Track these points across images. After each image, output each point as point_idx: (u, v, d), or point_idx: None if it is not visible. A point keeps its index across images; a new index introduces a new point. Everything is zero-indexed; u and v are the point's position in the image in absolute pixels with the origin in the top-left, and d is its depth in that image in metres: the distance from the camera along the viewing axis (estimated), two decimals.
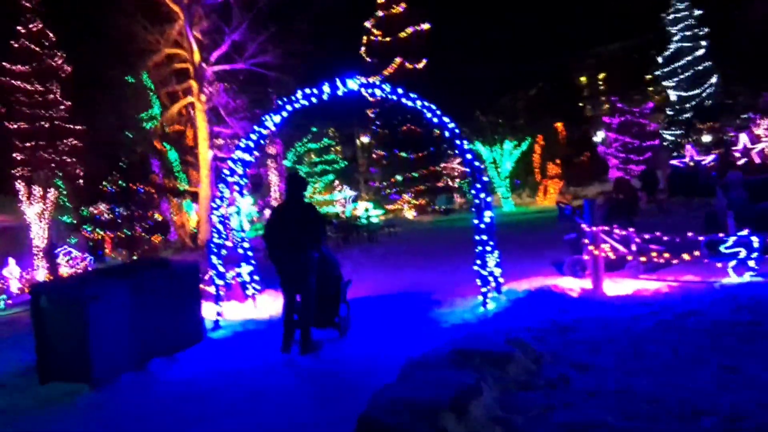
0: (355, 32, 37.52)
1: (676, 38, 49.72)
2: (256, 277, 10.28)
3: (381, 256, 15.57)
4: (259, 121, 9.27)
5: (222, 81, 24.58)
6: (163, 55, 23.26)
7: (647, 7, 49.52)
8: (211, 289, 9.36)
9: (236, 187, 9.85)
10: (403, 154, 36.78)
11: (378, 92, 8.78)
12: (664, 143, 45.18)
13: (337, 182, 39.34)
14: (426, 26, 37.26)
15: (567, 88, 39.48)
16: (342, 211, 35.09)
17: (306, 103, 9.00)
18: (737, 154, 45.98)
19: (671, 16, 50.15)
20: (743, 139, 49.39)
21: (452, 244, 16.91)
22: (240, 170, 9.42)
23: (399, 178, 37.53)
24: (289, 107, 9.02)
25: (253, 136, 9.26)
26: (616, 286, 8.38)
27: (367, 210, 34.65)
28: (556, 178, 35.76)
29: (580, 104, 41.99)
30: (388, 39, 36.97)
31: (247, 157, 9.42)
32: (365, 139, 43.70)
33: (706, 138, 47.81)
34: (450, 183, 39.72)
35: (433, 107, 8.55)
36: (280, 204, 7.27)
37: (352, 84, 8.81)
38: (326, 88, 8.87)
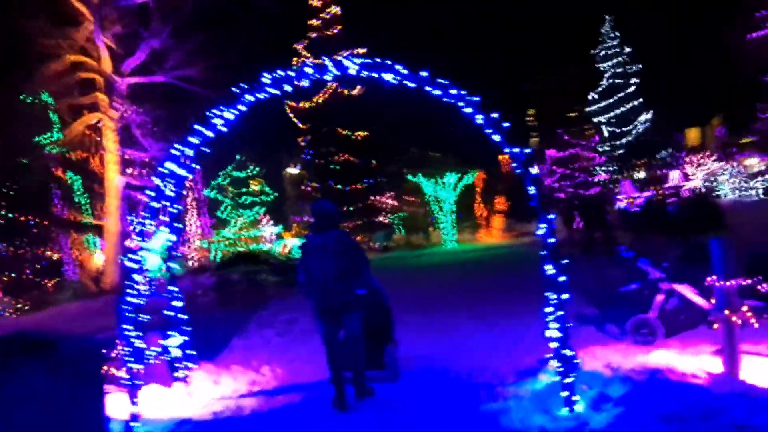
0: (288, 52, 34.63)
1: (607, 75, 49.74)
2: (190, 353, 7.03)
3: None
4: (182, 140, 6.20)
5: (138, 96, 21.02)
6: (66, 62, 19.53)
7: (580, 44, 49.41)
8: (123, 373, 6.08)
9: (164, 217, 6.61)
10: (339, 186, 33.85)
11: (389, 77, 5.85)
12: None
13: (262, 216, 35.84)
14: (362, 50, 34.80)
15: (513, 118, 38.00)
16: (269, 248, 31.70)
17: (276, 92, 6.03)
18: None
19: (602, 53, 50.29)
20: (674, 176, 49.68)
21: (423, 288, 14.18)
22: (171, 190, 6.24)
23: None
24: (250, 97, 6.00)
25: (194, 140, 6.13)
26: (749, 367, 5.70)
27: (295, 246, 31.45)
28: (500, 214, 33.72)
29: (531, 134, 40.50)
30: (320, 62, 34.23)
31: (181, 172, 6.27)
32: (294, 170, 40.50)
33: (641, 174, 47.61)
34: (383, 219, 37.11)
35: (473, 99, 5.74)
36: (310, 237, 6.31)
37: (350, 65, 5.89)
38: (309, 70, 5.94)
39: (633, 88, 49.21)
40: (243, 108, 6.06)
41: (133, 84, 20.57)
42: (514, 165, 5.72)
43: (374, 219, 35.10)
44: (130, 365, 5.93)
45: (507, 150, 5.73)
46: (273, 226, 35.62)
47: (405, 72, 5.70)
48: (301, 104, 34.60)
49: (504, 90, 39.74)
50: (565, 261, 5.45)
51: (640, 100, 48.83)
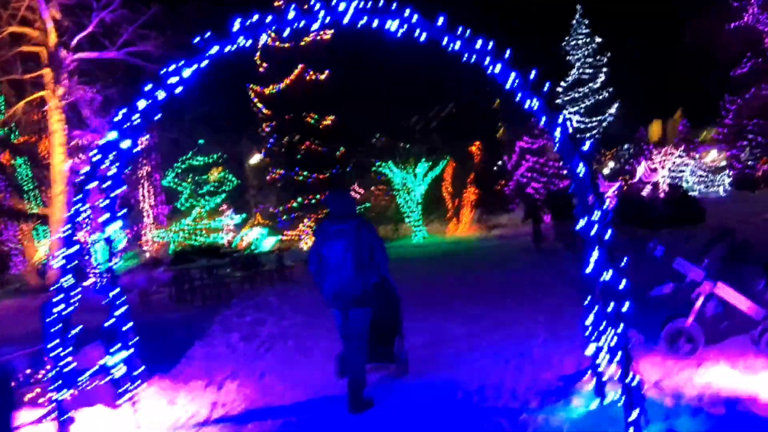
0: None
1: (577, 65, 49.26)
2: (138, 370, 5.70)
3: (314, 305, 11.19)
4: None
5: (88, 74, 19.31)
6: (6, 33, 17.71)
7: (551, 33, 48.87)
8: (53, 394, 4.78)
9: (104, 201, 5.24)
10: (303, 175, 32.40)
11: (394, 25, 4.60)
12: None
13: (224, 206, 34.20)
14: (329, 34, 33.36)
15: (482, 109, 36.97)
16: (230, 239, 30.18)
17: (248, 42, 4.76)
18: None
19: (572, 43, 49.78)
20: (641, 169, 49.53)
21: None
22: (110, 169, 4.91)
23: (297, 202, 33.12)
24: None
25: (141, 104, 4.82)
26: None
27: (258, 238, 30.06)
28: (469, 206, 32.80)
29: (498, 125, 39.56)
30: (287, 45, 32.65)
31: (124, 144, 4.95)
32: (257, 158, 38.84)
33: (610, 166, 47.30)
34: None
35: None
36: (324, 224, 5.89)
37: (344, 8, 4.65)
38: (291, 14, 4.69)
39: (602, 79, 48.79)
40: (205, 63, 4.76)
41: (82, 60, 18.83)
42: (557, 140, 4.53)
43: None
44: (58, 387, 4.64)
45: (543, 119, 4.56)
46: (235, 216, 34.03)
47: (415, 19, 4.46)
48: (265, 89, 32.99)
49: (469, 81, 38.68)
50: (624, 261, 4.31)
51: (610, 90, 48.43)
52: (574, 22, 49.08)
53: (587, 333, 4.94)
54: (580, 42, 49.62)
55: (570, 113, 48.47)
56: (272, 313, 10.40)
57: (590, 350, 4.96)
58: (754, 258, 6.21)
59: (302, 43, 32.57)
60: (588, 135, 47.02)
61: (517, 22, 55.40)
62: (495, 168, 35.68)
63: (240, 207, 36.01)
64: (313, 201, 32.78)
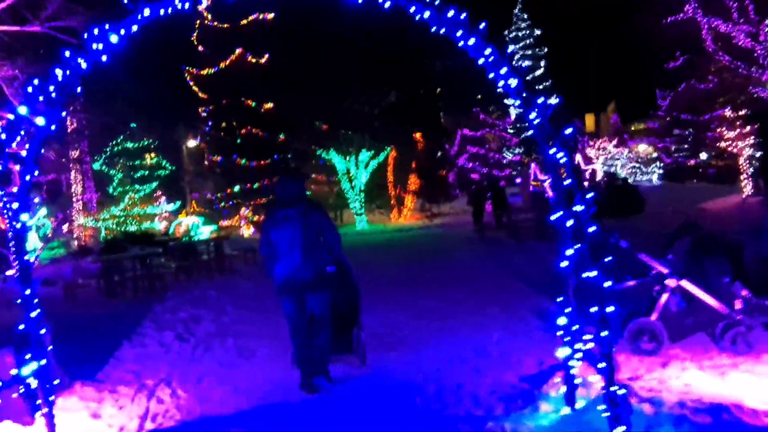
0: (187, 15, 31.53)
1: (517, 56, 49.62)
2: (55, 380, 5.01)
3: (255, 299, 10.56)
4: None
5: (8, 49, 17.89)
6: None
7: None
8: None
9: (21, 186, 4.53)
10: (243, 161, 31.43)
11: None
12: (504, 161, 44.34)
13: (159, 193, 32.84)
14: (270, 15, 32.36)
15: (425, 97, 36.68)
16: (165, 227, 29.01)
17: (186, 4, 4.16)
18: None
19: (512, 34, 50.07)
20: (577, 159, 50.24)
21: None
22: (21, 147, 4.23)
23: (236, 189, 32.12)
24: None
25: (59, 73, 4.16)
26: None
27: (195, 226, 28.97)
28: (413, 194, 32.56)
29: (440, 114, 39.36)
30: (226, 25, 31.46)
31: (38, 121, 4.27)
32: (193, 143, 37.49)
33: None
34: None
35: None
36: (275, 208, 5.74)
37: None
38: None
39: (542, 70, 49.31)
40: (135, 29, 4.13)
41: (2, 33, 17.42)
42: (535, 119, 4.13)
43: None
44: None
45: (518, 102, 4.14)
46: (169, 203, 32.74)
47: None
48: (202, 71, 31.76)
49: (411, 69, 38.33)
50: (607, 258, 3.95)
51: (549, 82, 49.01)
52: (516, 12, 49.37)
53: (560, 334, 4.56)
54: (520, 34, 50.00)
55: (510, 103, 48.85)
56: (210, 308, 9.74)
57: (562, 353, 4.60)
58: (718, 251, 5.99)
59: (242, 23, 31.51)
60: (527, 125, 47.54)
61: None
62: (437, 157, 35.52)
63: (175, 194, 34.73)
64: (255, 186, 31.90)
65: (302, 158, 34.76)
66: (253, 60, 31.92)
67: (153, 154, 33.74)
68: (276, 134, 31.84)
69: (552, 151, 4.07)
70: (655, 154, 54.32)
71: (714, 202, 24.83)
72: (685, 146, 50.00)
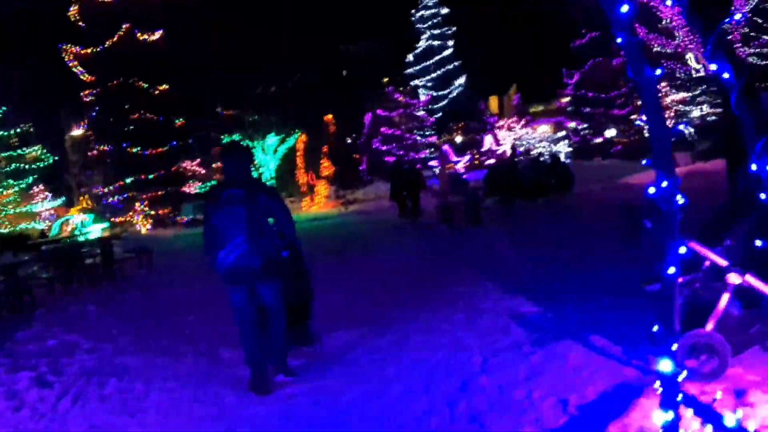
0: None
1: (425, 36, 48.40)
2: None
3: (151, 314, 8.32)
4: None
5: None
6: None
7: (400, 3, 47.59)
8: None
9: None
10: (135, 149, 28.37)
11: None
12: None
13: (39, 188, 29.19)
14: None
15: (335, 79, 34.67)
16: (47, 227, 25.71)
17: None
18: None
19: (420, 14, 48.82)
20: (488, 140, 50.06)
21: None
22: None
23: (129, 180, 29.05)
24: None
25: None
26: None
27: (83, 225, 25.91)
28: (325, 180, 30.61)
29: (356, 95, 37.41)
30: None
31: None
32: (78, 131, 33.77)
33: (459, 139, 47.13)
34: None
35: None
36: (217, 189, 5.27)
37: None
38: None
39: (450, 51, 48.35)
40: None
41: None
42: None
43: (181, 188, 30.09)
44: None
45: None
46: (52, 200, 29.22)
47: None
48: (85, 50, 28.35)
49: (320, 50, 36.34)
50: None
51: (457, 63, 48.12)
52: None
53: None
54: (427, 13, 48.84)
55: (420, 84, 47.65)
56: (89, 331, 7.46)
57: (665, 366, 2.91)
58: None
59: None
60: (437, 106, 46.42)
61: None
62: (350, 140, 33.69)
63: (58, 189, 31.08)
64: (151, 177, 28.96)
65: (205, 145, 31.97)
66: (144, 37, 28.82)
67: (30, 145, 29.94)
68: (173, 119, 28.96)
69: None
70: (562, 133, 54.86)
71: (635, 176, 24.35)
72: (592, 124, 50.57)
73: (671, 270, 2.92)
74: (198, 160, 31.54)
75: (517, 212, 14.90)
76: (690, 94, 27.94)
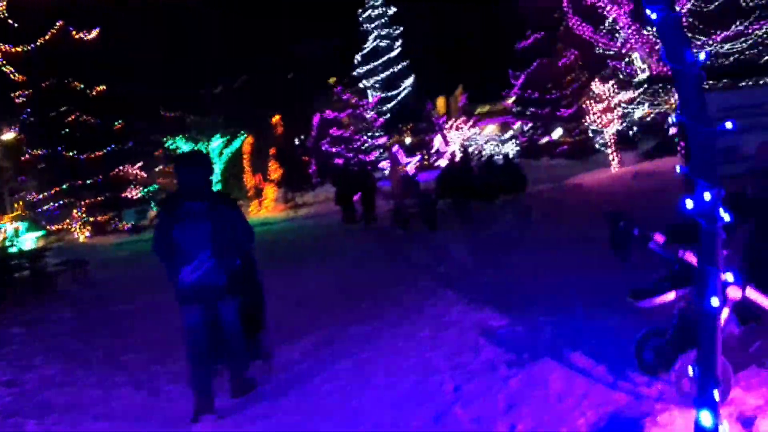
0: None
1: (372, 36, 47.93)
2: None
3: (84, 337, 7.54)
4: None
5: None
6: None
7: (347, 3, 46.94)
8: None
9: None
10: (71, 154, 26.98)
11: None
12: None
13: None
14: None
15: (283, 79, 33.71)
16: None
17: None
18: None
19: (366, 14, 48.32)
20: (438, 141, 49.95)
21: None
22: None
23: (64, 186, 27.64)
24: None
25: None
26: None
27: (16, 233, 24.54)
28: (273, 183, 29.79)
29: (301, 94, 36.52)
30: None
31: None
32: (10, 135, 31.95)
33: (408, 140, 46.83)
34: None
35: None
36: (175, 200, 4.96)
37: None
38: None
39: (397, 51, 48.02)
40: None
41: None
42: None
43: (121, 194, 28.78)
44: None
45: None
46: None
47: None
48: (15, 48, 26.77)
49: (270, 51, 35.45)
50: None
51: (404, 64, 47.85)
52: None
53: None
54: (374, 13, 48.39)
55: (368, 85, 47.14)
56: (10, 360, 6.66)
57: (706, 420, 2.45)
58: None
59: None
60: (386, 107, 45.98)
61: None
62: (298, 142, 32.92)
63: None
64: (89, 182, 27.61)
65: (146, 148, 30.67)
66: (79, 35, 27.45)
67: None
68: (111, 121, 27.67)
69: None
70: (509, 133, 55.26)
71: (584, 176, 24.42)
72: (539, 124, 51.04)
73: (714, 302, 2.44)
74: (139, 163, 30.29)
75: (473, 215, 14.50)
76: (635, 93, 28.11)
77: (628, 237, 4.18)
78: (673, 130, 32.57)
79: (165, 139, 28.04)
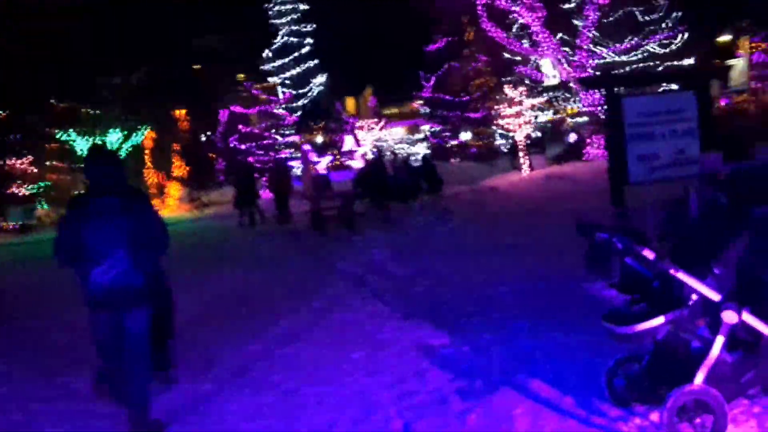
0: None
1: (283, 32, 46.63)
2: None
3: None
4: None
5: None
6: None
7: None
8: None
9: None
10: None
11: None
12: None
13: None
14: None
15: (188, 72, 31.92)
16: None
17: None
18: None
19: (276, 9, 46.95)
20: (348, 141, 49.37)
21: None
22: None
23: None
24: None
25: None
26: None
27: None
28: (177, 181, 28.17)
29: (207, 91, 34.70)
30: None
31: None
32: None
33: (320, 139, 45.95)
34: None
35: None
36: (80, 198, 4.59)
37: None
38: None
39: (308, 48, 47.00)
40: None
41: None
42: None
43: (6, 190, 26.31)
44: None
45: None
46: None
47: None
48: None
49: (174, 43, 33.55)
50: None
51: (316, 61, 46.90)
52: None
53: None
54: (284, 9, 47.16)
55: (278, 82, 45.80)
56: None
57: None
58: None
59: None
60: (297, 105, 44.83)
61: None
62: (204, 138, 31.35)
63: None
64: None
65: (35, 142, 28.15)
66: None
67: None
68: None
69: None
70: (420, 135, 55.54)
71: (497, 179, 24.53)
72: (448, 127, 51.51)
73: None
74: (28, 158, 27.78)
75: (394, 217, 13.91)
76: (543, 99, 28.64)
77: (609, 250, 3.65)
78: (573, 137, 33.64)
79: (57, 132, 25.83)
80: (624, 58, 25.73)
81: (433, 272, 8.52)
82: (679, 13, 25.33)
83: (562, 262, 7.55)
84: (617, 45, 25.22)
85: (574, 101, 28.80)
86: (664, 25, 25.43)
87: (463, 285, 7.69)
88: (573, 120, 31.67)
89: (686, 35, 25.33)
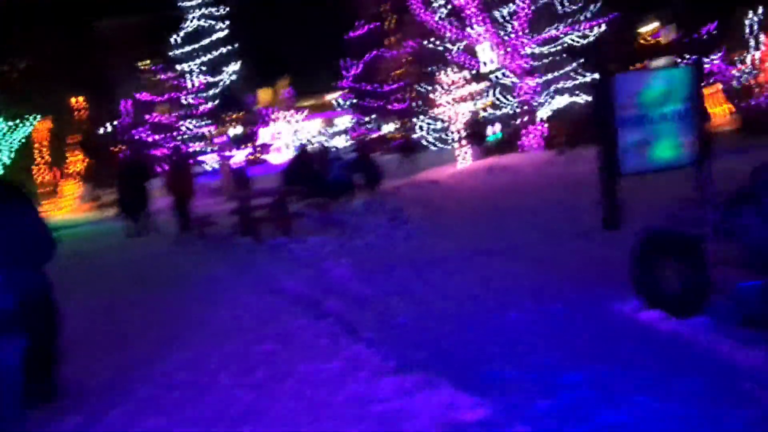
0: None
1: (193, 15, 43.43)
2: None
3: None
4: None
5: None
6: None
7: None
8: None
9: None
10: None
11: None
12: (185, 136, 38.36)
13: None
14: None
15: (86, 58, 28.48)
16: None
17: None
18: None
19: None
20: (264, 134, 46.97)
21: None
22: None
23: None
24: None
25: None
26: None
27: None
28: (75, 178, 25.07)
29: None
30: None
31: None
32: None
33: (234, 131, 43.30)
34: None
35: None
36: None
37: None
38: None
39: (222, 34, 44.04)
40: None
41: None
42: None
43: None
44: None
45: None
46: None
47: None
48: None
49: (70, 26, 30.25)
50: None
51: (230, 48, 44.05)
52: None
53: None
54: None
55: (188, 69, 42.66)
56: None
57: None
58: None
59: None
60: (210, 93, 41.89)
61: None
62: (108, 129, 28.19)
63: None
64: None
65: None
66: None
67: None
68: None
69: None
70: (340, 127, 54.03)
71: (433, 172, 23.08)
72: (371, 119, 50.07)
73: None
74: None
75: (336, 219, 11.92)
76: (481, 86, 27.48)
77: None
78: (494, 128, 32.73)
79: None
80: (544, 49, 25.04)
81: (409, 293, 6.66)
82: (598, 4, 24.72)
83: (558, 270, 6.50)
84: (536, 36, 24.39)
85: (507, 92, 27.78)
86: (582, 17, 24.74)
87: (455, 311, 5.88)
88: (488, 112, 30.71)
89: (604, 27, 24.75)
